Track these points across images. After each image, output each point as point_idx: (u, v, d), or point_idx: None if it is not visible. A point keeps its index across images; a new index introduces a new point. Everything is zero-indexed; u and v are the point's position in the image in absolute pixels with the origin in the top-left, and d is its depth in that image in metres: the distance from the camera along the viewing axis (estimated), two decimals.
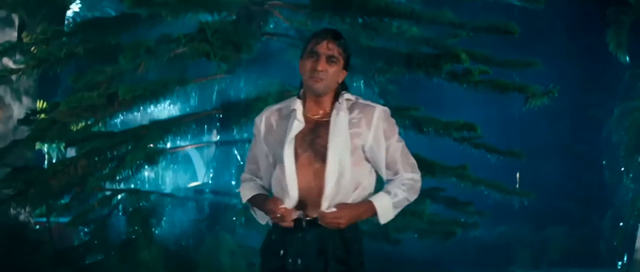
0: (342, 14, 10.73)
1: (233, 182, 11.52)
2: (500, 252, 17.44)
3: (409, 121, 11.03)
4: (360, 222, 4.01)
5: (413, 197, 4.12)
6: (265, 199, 4.20)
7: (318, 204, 3.94)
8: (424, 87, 13.36)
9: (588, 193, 20.13)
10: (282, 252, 3.99)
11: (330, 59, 4.00)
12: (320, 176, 3.94)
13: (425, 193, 11.69)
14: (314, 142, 3.99)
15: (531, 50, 16.03)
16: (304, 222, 3.97)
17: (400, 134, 4.16)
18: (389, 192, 4.03)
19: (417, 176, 4.13)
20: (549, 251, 18.69)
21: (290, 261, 3.96)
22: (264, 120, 4.23)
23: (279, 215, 3.96)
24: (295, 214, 3.98)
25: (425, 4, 12.46)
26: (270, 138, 4.16)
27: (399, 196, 4.03)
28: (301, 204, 3.98)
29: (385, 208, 4.00)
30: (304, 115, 4.07)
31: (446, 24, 11.09)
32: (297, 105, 4.09)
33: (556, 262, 18.22)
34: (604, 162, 19.17)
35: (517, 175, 19.71)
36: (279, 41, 11.63)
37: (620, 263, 17.04)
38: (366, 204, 3.98)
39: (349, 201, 3.96)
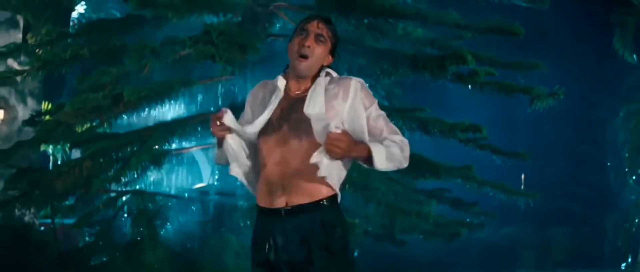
0: (347, 15, 10.73)
1: (238, 184, 11.51)
2: (505, 253, 17.43)
3: (415, 122, 11.03)
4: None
5: (404, 158, 3.99)
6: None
7: (296, 189, 3.91)
8: (429, 89, 13.36)
9: (592, 194, 20.12)
10: (267, 245, 3.96)
11: (318, 38, 4.02)
12: (296, 152, 3.92)
13: (430, 194, 11.70)
14: (290, 117, 3.97)
15: (536, 52, 16.01)
16: (283, 212, 3.93)
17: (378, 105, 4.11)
18: (381, 142, 3.94)
19: (405, 139, 4.02)
20: (554, 252, 18.67)
21: (274, 252, 3.94)
22: (253, 92, 4.28)
23: (217, 123, 3.98)
24: (279, 202, 3.94)
25: (431, 5, 12.45)
26: (254, 107, 4.19)
27: (391, 148, 3.93)
28: (280, 191, 3.95)
29: (379, 153, 3.89)
30: (285, 92, 4.08)
31: (451, 25, 11.08)
32: (280, 81, 4.10)
33: (561, 263, 18.21)
34: (608, 163, 19.16)
35: (522, 176, 19.70)
36: (284, 42, 11.57)
37: (624, 264, 17.02)
38: (362, 144, 3.90)
39: (326, 173, 3.89)
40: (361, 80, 4.06)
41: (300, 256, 3.89)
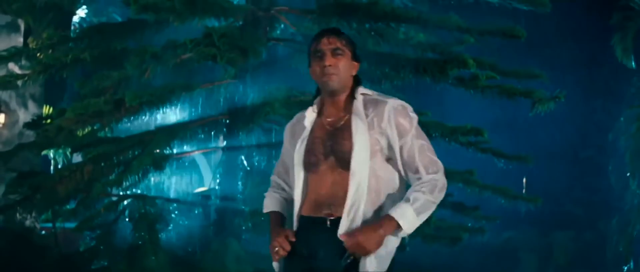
0: (348, 19, 10.73)
1: (239, 188, 11.51)
2: (506, 257, 17.42)
3: None
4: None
5: (438, 197, 3.91)
6: (274, 223, 4.18)
7: (343, 206, 3.86)
8: (430, 94, 13.34)
9: (594, 198, 20.09)
10: (306, 253, 3.93)
11: (335, 52, 3.94)
12: (343, 182, 3.86)
13: None
14: (334, 149, 3.92)
15: (537, 56, 16.04)
16: (328, 222, 3.89)
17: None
18: (408, 200, 3.83)
19: (439, 174, 3.93)
20: (555, 256, 18.66)
21: (313, 261, 3.90)
22: (289, 126, 4.25)
23: (275, 249, 3.95)
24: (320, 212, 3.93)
25: (432, 9, 12.45)
26: (291, 143, 4.14)
27: (420, 200, 3.83)
28: (327, 205, 3.91)
29: (408, 217, 3.81)
30: (323, 120, 4.03)
31: (453, 29, 11.07)
32: (308, 113, 4.09)
33: (562, 268, 18.18)
34: (610, 167, 19.14)
35: (524, 180, 19.69)
36: (286, 47, 11.63)
37: (626, 268, 17.00)
38: (385, 219, 3.80)
39: (374, 208, 3.87)
40: (398, 102, 3.96)
41: (337, 267, 3.83)
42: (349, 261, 3.78)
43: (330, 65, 3.92)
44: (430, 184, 3.90)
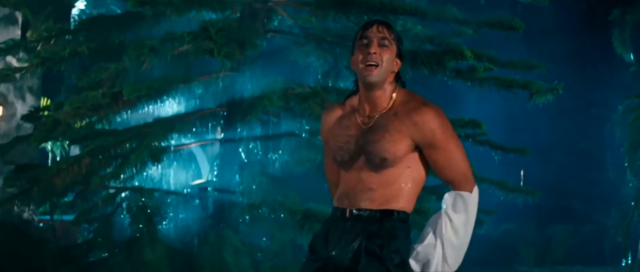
0: (346, 11, 10.71)
1: (237, 180, 11.50)
2: (505, 250, 17.46)
3: None
4: None
5: (470, 214, 3.94)
6: None
7: (368, 197, 3.86)
8: (428, 87, 13.33)
9: (592, 191, 20.14)
10: (324, 241, 3.94)
11: (382, 42, 3.83)
12: (373, 176, 3.86)
13: (429, 190, 11.68)
14: (365, 149, 3.87)
15: (535, 48, 16.07)
16: (348, 212, 3.88)
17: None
18: (433, 245, 3.94)
19: (465, 193, 3.91)
20: (553, 249, 18.70)
21: (329, 250, 3.90)
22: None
23: None
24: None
25: (430, 1, 12.45)
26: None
27: (446, 248, 3.94)
28: (351, 196, 3.91)
29: (438, 261, 3.96)
30: (358, 116, 3.96)
31: (451, 21, 11.06)
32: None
33: (560, 260, 18.24)
34: (607, 159, 19.17)
35: (522, 173, 19.70)
36: (283, 39, 11.61)
37: (624, 261, 17.03)
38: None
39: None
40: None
41: (350, 258, 3.84)
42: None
43: (374, 54, 3.81)
44: (459, 206, 3.96)
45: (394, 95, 3.91)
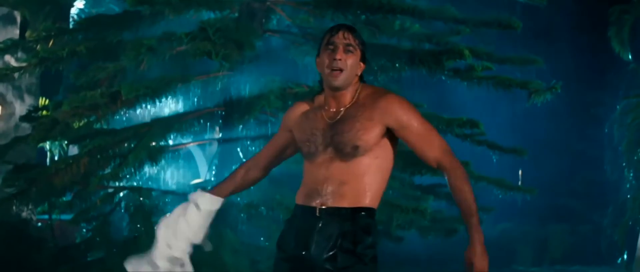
0: (344, 10, 10.72)
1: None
2: (502, 249, 17.42)
3: None
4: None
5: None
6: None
7: (337, 196, 3.94)
8: (427, 87, 13.35)
9: (590, 190, 20.15)
10: (294, 241, 4.01)
11: (347, 49, 4.00)
12: (342, 169, 3.95)
13: (427, 190, 11.70)
14: (334, 140, 3.97)
15: (533, 48, 16.00)
16: (317, 211, 3.96)
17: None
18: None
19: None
20: (551, 248, 18.70)
21: (301, 249, 3.97)
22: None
23: None
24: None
25: (428, 0, 12.45)
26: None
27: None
28: (320, 194, 3.98)
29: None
30: (323, 112, 4.10)
31: (449, 20, 11.08)
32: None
33: (558, 259, 18.24)
34: (605, 159, 19.18)
35: (520, 172, 19.72)
36: (281, 38, 11.61)
37: (620, 259, 17.04)
38: (476, 237, 4.32)
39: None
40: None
41: (325, 256, 3.91)
42: None
43: (340, 60, 3.98)
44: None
45: (358, 90, 4.08)
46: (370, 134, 3.94)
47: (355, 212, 3.94)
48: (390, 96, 4.03)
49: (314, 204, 3.98)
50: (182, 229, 4.38)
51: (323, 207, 3.95)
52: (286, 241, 4.08)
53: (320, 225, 3.94)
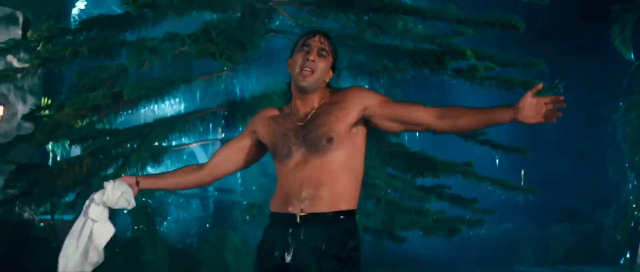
0: (347, 11, 10.72)
1: (238, 181, 11.51)
2: (504, 249, 17.44)
3: None
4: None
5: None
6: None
7: (316, 200, 3.94)
8: (428, 89, 13.35)
9: (592, 190, 20.12)
10: (277, 250, 3.98)
11: (321, 52, 4.07)
12: (317, 168, 3.96)
13: (430, 190, 11.70)
14: (307, 139, 4.00)
15: (535, 48, 16.04)
16: (297, 218, 3.94)
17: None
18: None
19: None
20: (553, 248, 18.67)
21: (283, 258, 3.95)
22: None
23: None
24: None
25: (431, 0, 12.45)
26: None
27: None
28: (298, 198, 3.96)
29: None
30: (292, 116, 4.12)
31: (451, 20, 11.07)
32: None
33: (560, 260, 18.20)
34: (607, 159, 19.16)
35: (522, 172, 19.71)
36: (284, 39, 11.60)
37: (622, 259, 17.02)
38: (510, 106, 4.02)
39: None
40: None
41: (310, 263, 3.90)
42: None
43: (312, 61, 4.03)
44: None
45: (325, 95, 4.14)
46: (344, 122, 3.99)
47: (336, 216, 3.95)
48: (356, 87, 4.21)
49: (292, 211, 3.96)
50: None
51: (303, 213, 3.94)
52: (267, 250, 4.04)
53: (302, 232, 3.93)
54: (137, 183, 4.40)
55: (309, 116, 4.05)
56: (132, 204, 4.27)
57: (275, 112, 4.25)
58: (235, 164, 4.37)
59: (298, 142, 4.01)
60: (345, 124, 3.99)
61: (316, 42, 4.08)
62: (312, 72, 4.03)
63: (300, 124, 4.05)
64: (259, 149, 4.31)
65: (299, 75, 4.05)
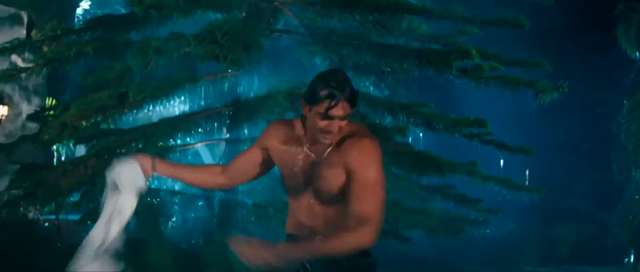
0: (352, 10, 10.72)
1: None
2: (509, 249, 17.43)
3: (420, 118, 11.03)
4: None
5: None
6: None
7: (327, 231, 3.90)
8: (433, 89, 13.34)
9: (596, 190, 20.14)
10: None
11: (343, 118, 3.83)
12: (326, 211, 3.92)
13: (435, 190, 11.70)
14: (313, 181, 3.92)
15: (540, 47, 16.03)
16: (305, 268, 3.91)
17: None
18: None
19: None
20: (558, 248, 18.68)
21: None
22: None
23: None
24: None
25: (436, 0, 12.45)
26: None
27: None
28: (312, 233, 3.94)
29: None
30: (306, 147, 3.99)
31: (456, 19, 11.07)
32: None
33: (565, 260, 18.22)
34: (612, 158, 19.15)
35: (526, 172, 19.70)
36: (289, 38, 11.60)
37: (626, 259, 17.02)
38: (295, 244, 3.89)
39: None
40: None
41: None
42: None
43: (334, 132, 3.83)
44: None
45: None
46: (339, 181, 3.85)
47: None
48: (360, 140, 3.88)
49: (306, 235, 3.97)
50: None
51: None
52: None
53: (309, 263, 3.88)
54: (154, 167, 4.28)
55: (320, 158, 3.92)
56: (140, 188, 4.25)
57: (286, 131, 4.09)
58: (252, 176, 4.33)
59: (305, 182, 3.96)
60: (340, 182, 3.84)
61: (339, 111, 3.77)
62: (334, 136, 3.85)
63: (310, 160, 3.95)
64: (271, 163, 4.23)
65: (320, 135, 3.84)
